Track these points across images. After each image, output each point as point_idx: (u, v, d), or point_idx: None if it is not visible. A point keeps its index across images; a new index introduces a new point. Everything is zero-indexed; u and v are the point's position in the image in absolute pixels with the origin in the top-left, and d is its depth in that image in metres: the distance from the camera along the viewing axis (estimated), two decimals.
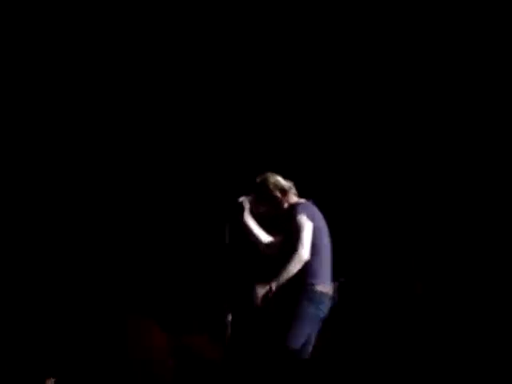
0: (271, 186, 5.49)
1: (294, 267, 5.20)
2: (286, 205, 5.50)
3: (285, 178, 5.56)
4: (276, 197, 5.49)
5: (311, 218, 5.34)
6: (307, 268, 5.24)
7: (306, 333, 5.26)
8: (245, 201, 5.57)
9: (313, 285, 5.26)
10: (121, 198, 7.44)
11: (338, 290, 5.42)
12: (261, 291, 5.19)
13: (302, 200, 5.52)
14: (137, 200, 7.47)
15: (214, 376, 6.24)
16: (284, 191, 5.50)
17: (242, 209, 5.56)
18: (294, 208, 5.41)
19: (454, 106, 6.96)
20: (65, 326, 6.45)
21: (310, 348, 5.36)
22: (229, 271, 5.48)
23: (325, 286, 5.33)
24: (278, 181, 5.53)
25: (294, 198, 5.52)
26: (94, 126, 7.48)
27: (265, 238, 5.59)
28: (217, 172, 7.41)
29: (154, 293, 7.22)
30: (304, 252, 5.22)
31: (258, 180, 5.56)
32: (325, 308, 5.32)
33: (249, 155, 7.23)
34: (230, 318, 5.41)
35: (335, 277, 5.45)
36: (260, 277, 6.39)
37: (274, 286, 5.18)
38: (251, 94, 7.39)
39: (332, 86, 7.25)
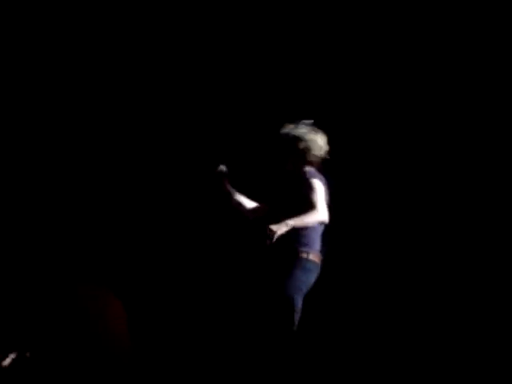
0: (316, 151, 5.30)
1: (311, 220, 5.12)
2: (305, 168, 5.33)
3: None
4: (306, 159, 5.31)
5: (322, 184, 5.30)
6: (303, 235, 5.22)
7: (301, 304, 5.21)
8: (224, 169, 5.51)
9: (308, 253, 5.23)
10: (86, 168, 7.22)
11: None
12: (275, 227, 5.00)
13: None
14: (99, 168, 7.22)
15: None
16: (318, 158, 5.36)
17: (222, 177, 5.52)
18: (307, 172, 5.29)
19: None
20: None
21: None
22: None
23: (316, 255, 5.30)
24: (322, 147, 5.33)
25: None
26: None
27: (248, 203, 5.55)
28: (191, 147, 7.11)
29: (116, 263, 7.00)
30: (324, 213, 5.14)
31: (307, 137, 5.32)
32: (313, 278, 5.29)
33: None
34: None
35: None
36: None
37: (288, 225, 5.04)
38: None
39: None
